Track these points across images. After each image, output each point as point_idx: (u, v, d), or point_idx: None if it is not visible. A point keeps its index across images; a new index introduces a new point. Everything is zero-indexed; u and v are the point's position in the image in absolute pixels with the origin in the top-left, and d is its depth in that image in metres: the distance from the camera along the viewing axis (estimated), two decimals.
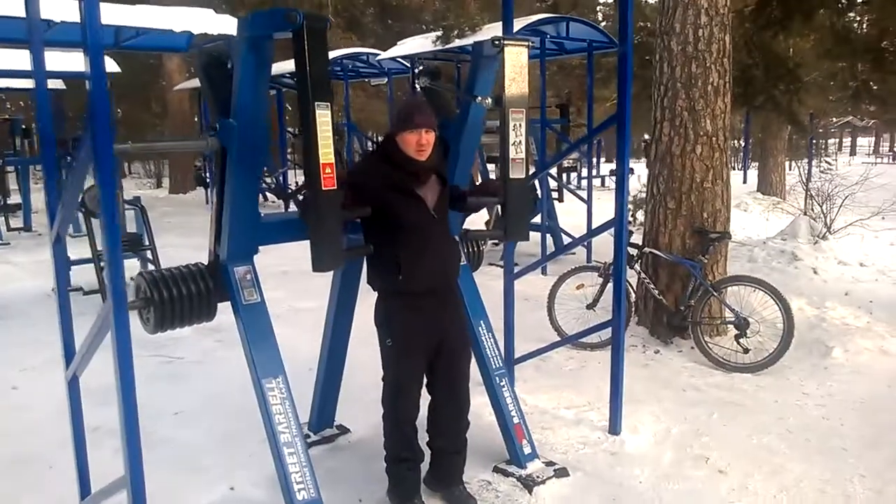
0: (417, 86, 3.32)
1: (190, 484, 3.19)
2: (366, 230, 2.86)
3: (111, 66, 11.13)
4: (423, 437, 3.07)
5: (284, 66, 11.14)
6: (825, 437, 3.73)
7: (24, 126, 13.08)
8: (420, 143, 2.67)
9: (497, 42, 2.83)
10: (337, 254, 2.47)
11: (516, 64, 2.83)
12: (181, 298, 2.69)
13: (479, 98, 3.08)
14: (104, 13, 6.95)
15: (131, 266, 7.35)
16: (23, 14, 2.70)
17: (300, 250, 8.81)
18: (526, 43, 2.86)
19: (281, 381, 2.71)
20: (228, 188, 2.75)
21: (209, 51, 2.73)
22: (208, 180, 16.53)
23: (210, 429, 3.87)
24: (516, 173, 2.89)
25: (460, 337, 3.01)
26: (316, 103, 2.30)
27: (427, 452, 3.09)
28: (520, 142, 2.85)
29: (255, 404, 3.68)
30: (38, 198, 13.13)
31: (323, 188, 2.35)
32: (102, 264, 5.12)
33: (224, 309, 7.03)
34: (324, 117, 2.32)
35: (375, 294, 2.92)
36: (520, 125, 2.86)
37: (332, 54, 11.11)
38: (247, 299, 2.82)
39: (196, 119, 20.68)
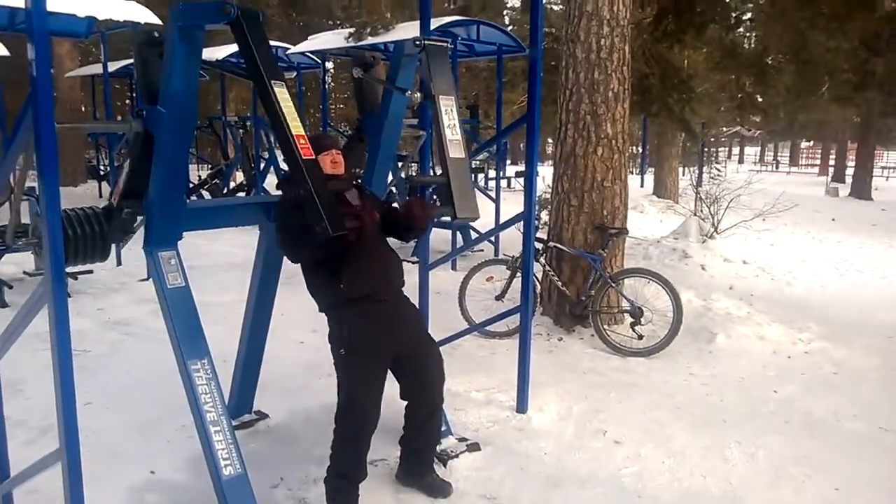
0: (354, 75, 3.41)
1: (109, 470, 3.19)
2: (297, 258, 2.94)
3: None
4: (395, 435, 3.19)
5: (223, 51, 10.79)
6: (708, 411, 4.13)
7: None
8: (333, 160, 2.92)
9: (418, 42, 3.01)
10: (339, 214, 2.48)
11: (438, 60, 3.02)
12: (76, 238, 2.76)
13: (409, 92, 3.23)
14: None
15: (27, 259, 7.07)
16: None
17: (208, 245, 8.64)
18: (445, 42, 3.05)
19: (206, 362, 2.77)
20: (154, 174, 2.80)
21: (147, 30, 2.77)
22: (102, 172, 15.85)
23: (123, 418, 3.85)
24: (456, 153, 3.00)
25: (421, 337, 3.10)
26: (272, 82, 2.41)
27: (392, 451, 3.23)
28: (454, 124, 2.99)
29: (168, 394, 3.73)
30: None
31: (304, 157, 2.41)
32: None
33: (132, 303, 6.85)
34: (283, 94, 2.42)
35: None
36: (451, 109, 3.00)
37: (234, 48, 10.91)
38: (171, 283, 2.86)
39: (84, 108, 19.72)
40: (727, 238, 8.59)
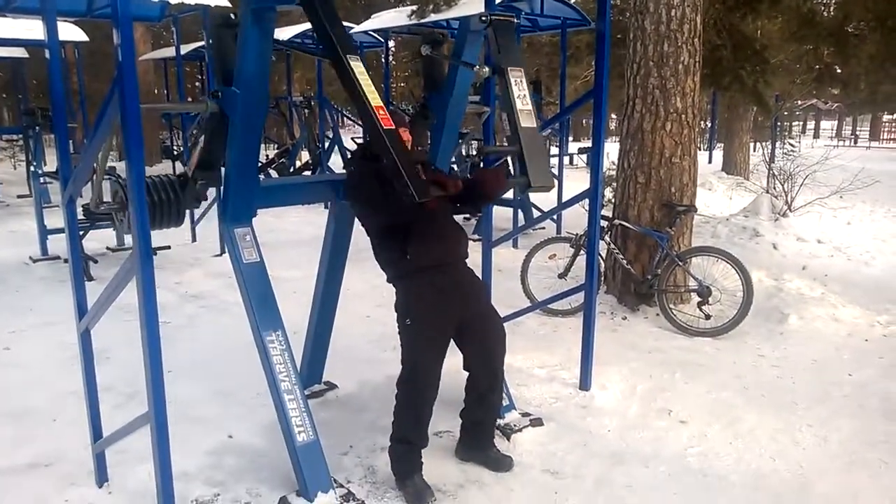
0: (422, 52, 3.44)
1: (191, 433, 3.37)
2: (369, 226, 3.04)
3: (79, 34, 10.98)
4: (459, 406, 3.22)
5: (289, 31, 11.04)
6: (778, 393, 4.05)
7: None
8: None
9: (485, 17, 3.00)
10: (424, 182, 2.50)
11: (505, 34, 3.01)
12: (154, 204, 2.87)
13: (476, 67, 3.22)
14: None
15: (110, 235, 7.44)
16: None
17: (277, 222, 8.88)
18: (511, 16, 3.04)
19: (280, 333, 2.90)
20: (229, 154, 2.91)
21: (223, 12, 2.86)
22: (175, 152, 16.37)
23: (202, 386, 4.04)
24: (527, 122, 2.99)
25: (484, 308, 3.15)
26: (349, 57, 2.47)
27: (456, 423, 3.26)
28: (524, 94, 2.98)
29: (243, 364, 3.89)
30: (2, 168, 12.93)
31: (385, 127, 2.45)
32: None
33: (207, 277, 7.11)
34: (359, 68, 2.48)
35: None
36: (521, 80, 2.98)
37: (301, 28, 11.10)
38: (247, 258, 2.99)
39: (156, 91, 20.36)
40: (801, 216, 8.28)
